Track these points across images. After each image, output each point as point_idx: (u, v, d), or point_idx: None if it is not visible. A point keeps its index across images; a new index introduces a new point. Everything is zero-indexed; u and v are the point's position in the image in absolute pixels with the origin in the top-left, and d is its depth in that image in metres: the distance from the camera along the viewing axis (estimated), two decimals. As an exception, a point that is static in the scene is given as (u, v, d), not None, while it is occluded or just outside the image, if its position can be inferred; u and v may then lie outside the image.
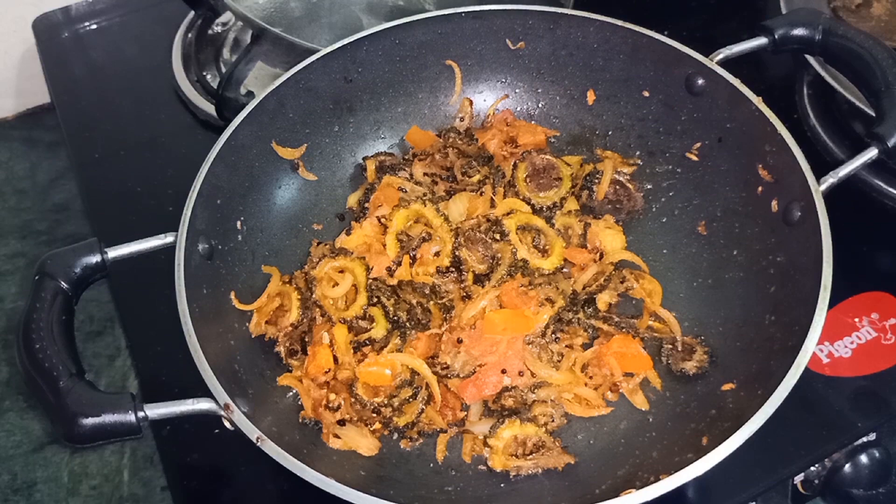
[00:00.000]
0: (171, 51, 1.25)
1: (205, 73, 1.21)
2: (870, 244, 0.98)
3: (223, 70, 1.21)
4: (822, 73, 0.98)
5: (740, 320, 0.81)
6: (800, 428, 0.84)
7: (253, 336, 0.83)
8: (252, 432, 0.66)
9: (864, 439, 0.86)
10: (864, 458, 0.86)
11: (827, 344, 0.90)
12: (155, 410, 0.66)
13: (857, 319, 0.92)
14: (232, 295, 0.82)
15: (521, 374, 0.80)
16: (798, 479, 0.87)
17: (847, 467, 0.87)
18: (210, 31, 1.27)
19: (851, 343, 0.91)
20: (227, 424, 0.67)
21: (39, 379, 0.65)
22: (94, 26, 1.33)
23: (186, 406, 0.67)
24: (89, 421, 0.64)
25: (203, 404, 0.67)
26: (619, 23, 0.92)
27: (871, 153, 0.78)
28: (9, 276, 1.27)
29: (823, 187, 0.77)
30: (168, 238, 0.77)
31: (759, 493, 0.82)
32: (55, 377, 0.65)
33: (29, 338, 0.67)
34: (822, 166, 0.79)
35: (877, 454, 0.86)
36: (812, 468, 0.86)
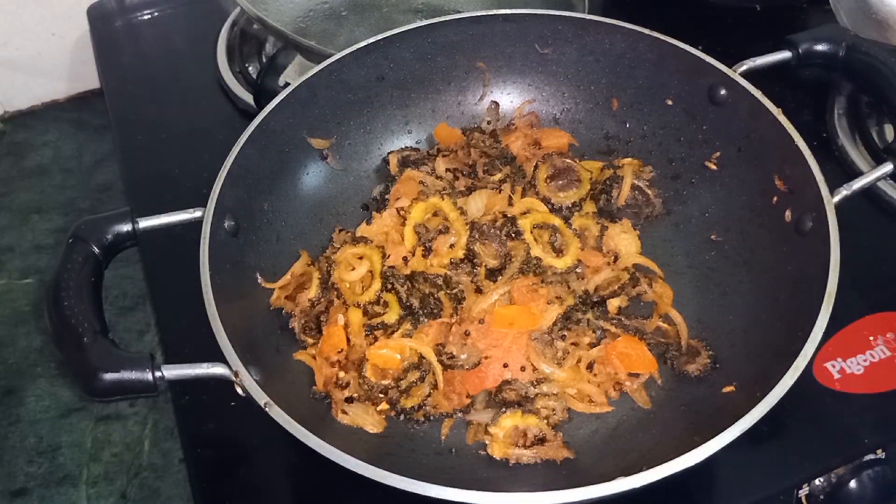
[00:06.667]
0: (216, 43, 1.29)
1: (247, 65, 1.25)
2: (889, 263, 0.97)
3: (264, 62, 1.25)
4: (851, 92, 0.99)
5: (747, 326, 0.82)
6: (807, 440, 0.84)
7: (272, 307, 0.86)
8: (261, 398, 0.68)
9: (871, 456, 0.86)
10: (869, 475, 0.86)
11: (839, 360, 0.90)
12: (171, 371, 0.69)
13: (871, 338, 0.92)
14: (257, 273, 0.85)
15: (522, 368, 0.81)
16: (803, 492, 0.87)
17: (852, 483, 0.86)
18: (255, 25, 1.32)
19: (864, 361, 0.90)
20: (238, 390, 0.70)
21: (65, 334, 0.69)
22: (147, 16, 1.38)
23: (201, 369, 0.70)
24: (109, 376, 0.67)
25: (217, 369, 0.70)
26: (646, 31, 0.94)
27: (887, 168, 0.79)
28: (49, 249, 1.33)
29: (836, 199, 0.77)
30: (197, 213, 0.80)
31: (763, 501, 0.82)
32: (80, 333, 0.69)
33: (58, 295, 0.71)
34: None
35: (882, 471, 0.86)
36: (817, 482, 0.86)
